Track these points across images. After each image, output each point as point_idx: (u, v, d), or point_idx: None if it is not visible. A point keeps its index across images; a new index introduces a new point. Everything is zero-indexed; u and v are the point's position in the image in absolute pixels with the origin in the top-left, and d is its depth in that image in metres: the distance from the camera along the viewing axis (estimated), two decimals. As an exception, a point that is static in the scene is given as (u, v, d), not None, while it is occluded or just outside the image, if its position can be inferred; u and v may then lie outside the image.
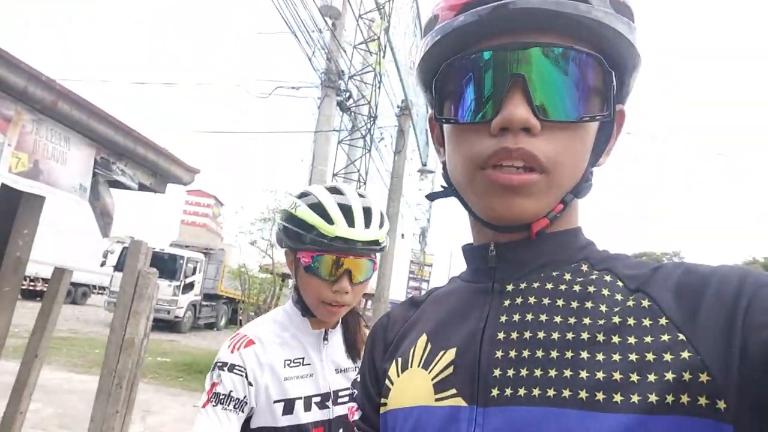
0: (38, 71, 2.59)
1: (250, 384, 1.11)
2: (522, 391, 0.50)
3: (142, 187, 3.91)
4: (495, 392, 0.51)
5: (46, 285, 3.58)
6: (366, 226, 1.16)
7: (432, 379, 0.58)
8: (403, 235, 14.69)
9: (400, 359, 0.64)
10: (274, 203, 10.40)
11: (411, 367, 0.62)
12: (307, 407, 1.16)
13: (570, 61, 0.52)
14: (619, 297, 0.52)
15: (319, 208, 1.15)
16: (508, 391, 0.51)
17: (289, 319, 1.25)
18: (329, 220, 1.13)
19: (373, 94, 10.85)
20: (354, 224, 1.14)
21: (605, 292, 0.53)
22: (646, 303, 0.50)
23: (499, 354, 0.53)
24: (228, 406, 1.08)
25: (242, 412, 1.10)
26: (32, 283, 18.22)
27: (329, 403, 1.19)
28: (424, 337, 0.63)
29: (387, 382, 0.65)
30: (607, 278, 0.55)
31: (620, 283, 0.54)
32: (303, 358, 1.20)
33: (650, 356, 0.46)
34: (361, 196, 1.22)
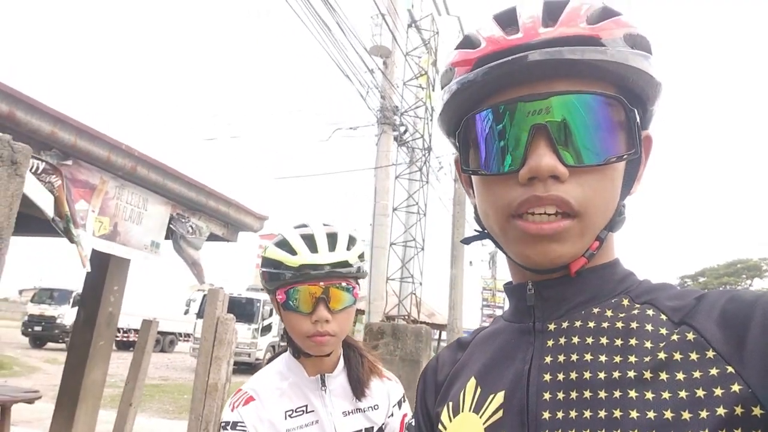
0: (118, 141, 2.86)
1: None
2: None
3: (216, 237, 4.15)
4: None
5: (138, 335, 3.82)
6: (331, 249, 1.16)
7: (483, 424, 0.57)
8: (471, 263, 14.43)
9: (451, 403, 0.65)
10: None
11: (462, 411, 0.62)
12: None
13: (591, 105, 0.52)
14: (663, 331, 0.51)
15: (283, 244, 1.17)
16: None
17: (287, 368, 1.24)
18: (292, 251, 1.15)
19: (426, 126, 10.99)
20: (317, 249, 1.15)
21: (648, 327, 0.52)
22: (691, 336, 0.49)
23: (546, 396, 0.53)
24: None
25: None
26: (125, 335, 19.47)
27: None
28: (473, 381, 0.63)
29: (440, 426, 0.65)
30: (650, 312, 0.54)
31: (663, 317, 0.53)
32: (306, 406, 1.19)
33: (700, 392, 0.45)
34: (326, 225, 1.23)
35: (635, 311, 0.55)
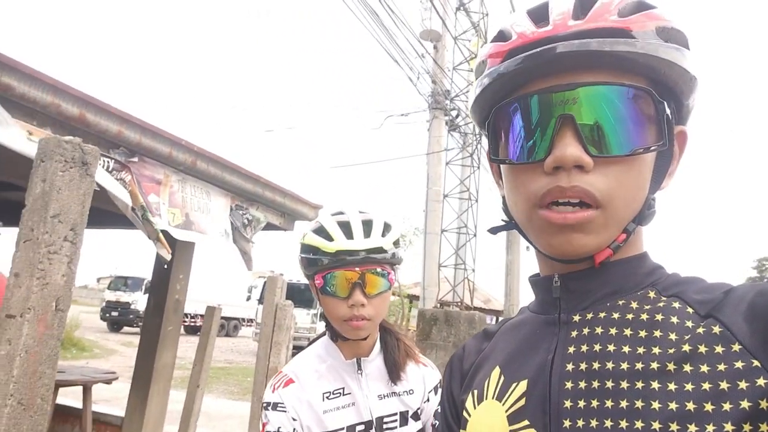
0: (178, 137, 3.00)
1: (293, 419, 1.18)
2: (594, 423, 0.50)
3: (273, 227, 4.29)
4: (567, 423, 0.52)
5: (203, 321, 4.04)
6: (366, 236, 1.19)
7: (506, 411, 0.59)
8: (528, 248, 14.07)
9: (475, 391, 0.67)
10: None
11: (486, 398, 0.64)
12: None
13: (617, 97, 0.53)
14: (689, 324, 0.51)
15: (320, 231, 1.21)
16: (580, 423, 0.51)
17: (325, 351, 1.28)
18: (329, 238, 1.18)
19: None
20: (352, 236, 1.18)
21: (674, 319, 0.52)
22: (717, 329, 0.49)
23: (569, 385, 0.54)
24: None
25: None
26: (192, 320, 20.54)
27: (373, 431, 1.21)
28: (497, 369, 0.65)
29: (465, 413, 0.67)
30: (676, 305, 0.54)
31: (690, 310, 0.53)
32: (343, 388, 1.23)
33: (724, 385, 0.45)
34: (362, 212, 1.25)
35: (661, 303, 0.55)
